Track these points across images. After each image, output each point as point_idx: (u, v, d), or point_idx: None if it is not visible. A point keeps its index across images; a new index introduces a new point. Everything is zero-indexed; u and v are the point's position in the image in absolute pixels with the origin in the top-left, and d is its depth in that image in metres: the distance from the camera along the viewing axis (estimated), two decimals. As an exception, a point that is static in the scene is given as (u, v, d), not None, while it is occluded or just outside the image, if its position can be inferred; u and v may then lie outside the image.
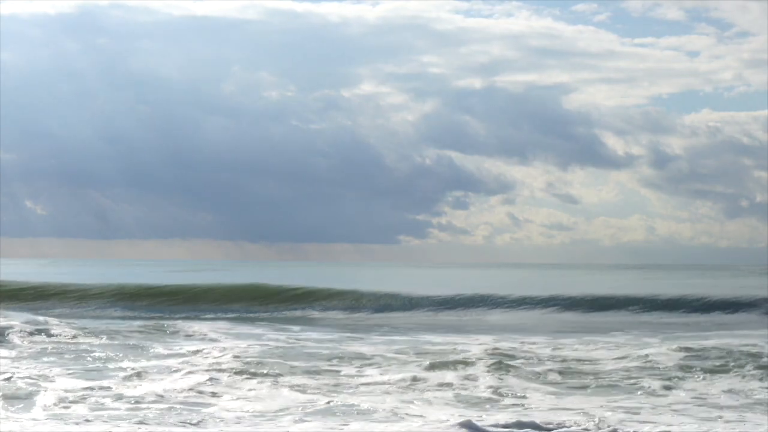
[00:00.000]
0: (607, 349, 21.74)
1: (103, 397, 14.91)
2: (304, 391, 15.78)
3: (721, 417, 13.84)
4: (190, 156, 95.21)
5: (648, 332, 28.64)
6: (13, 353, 20.61)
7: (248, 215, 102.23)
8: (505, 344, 22.55)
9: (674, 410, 14.45)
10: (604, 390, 16.44)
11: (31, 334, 24.42)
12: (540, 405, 14.82)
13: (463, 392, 15.96)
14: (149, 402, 14.53)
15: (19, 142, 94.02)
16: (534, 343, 23.15)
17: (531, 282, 63.03)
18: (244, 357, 19.56)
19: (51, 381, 16.41)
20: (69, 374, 17.38)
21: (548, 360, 19.78)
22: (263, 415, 13.80)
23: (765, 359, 19.31)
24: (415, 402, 14.93)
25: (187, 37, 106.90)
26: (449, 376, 17.52)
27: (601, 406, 14.58)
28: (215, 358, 19.57)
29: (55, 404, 14.21)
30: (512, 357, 19.75)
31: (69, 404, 14.25)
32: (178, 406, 14.20)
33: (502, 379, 17.30)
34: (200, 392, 15.52)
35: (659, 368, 18.58)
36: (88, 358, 20.00)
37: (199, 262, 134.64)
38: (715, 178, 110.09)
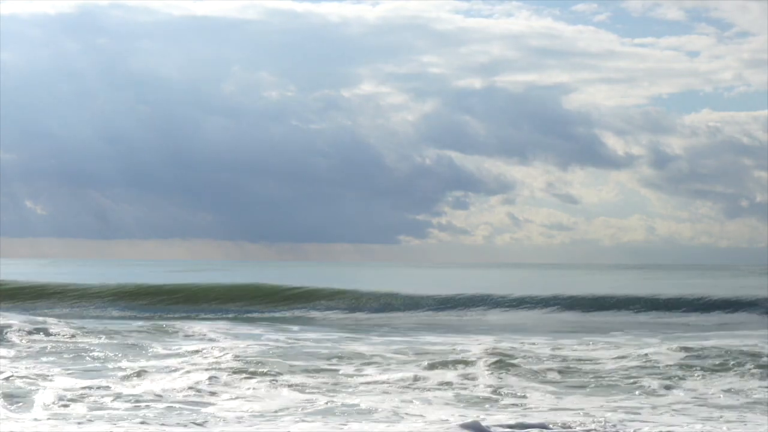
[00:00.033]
0: (606, 349, 21.72)
1: (102, 396, 14.88)
2: (303, 391, 15.76)
3: (721, 417, 13.82)
4: (190, 156, 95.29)
5: (648, 332, 28.64)
6: (12, 353, 20.59)
7: (248, 215, 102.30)
8: (505, 344, 22.53)
9: (674, 410, 14.43)
10: (604, 390, 16.43)
11: (30, 333, 24.39)
12: (540, 405, 14.80)
13: (463, 392, 15.93)
14: (149, 401, 14.51)
15: (19, 142, 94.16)
16: (534, 343, 23.12)
17: (531, 282, 63.01)
18: (244, 357, 19.54)
19: (50, 380, 16.39)
20: (68, 374, 17.36)
21: (548, 360, 19.76)
22: (263, 414, 13.78)
23: (765, 359, 19.29)
24: (414, 402, 14.90)
25: (187, 37, 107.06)
26: (449, 375, 17.50)
27: (601, 406, 14.56)
28: (215, 357, 19.55)
29: (54, 403, 14.19)
30: (512, 357, 19.72)
31: (68, 403, 14.23)
32: (177, 406, 14.18)
33: (501, 378, 17.28)
34: (199, 392, 15.50)
35: (659, 368, 18.56)
36: (87, 358, 19.98)
37: (199, 262, 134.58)
38: (715, 178, 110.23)
